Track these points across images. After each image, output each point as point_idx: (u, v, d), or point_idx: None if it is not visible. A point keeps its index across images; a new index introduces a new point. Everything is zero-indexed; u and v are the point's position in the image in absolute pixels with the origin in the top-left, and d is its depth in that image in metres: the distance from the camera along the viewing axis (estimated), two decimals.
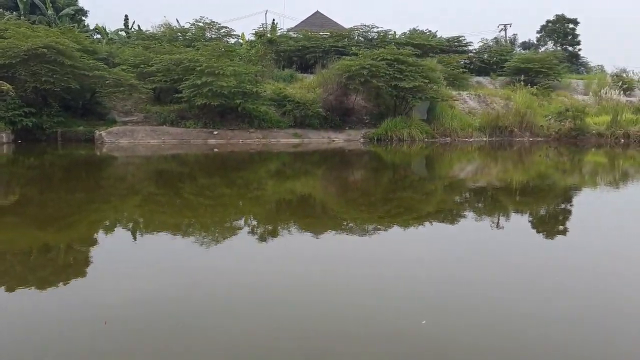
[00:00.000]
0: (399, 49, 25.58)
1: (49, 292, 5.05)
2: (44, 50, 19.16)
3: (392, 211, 9.44)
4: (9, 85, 18.86)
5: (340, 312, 4.51)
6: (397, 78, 23.01)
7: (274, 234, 7.67)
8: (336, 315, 4.44)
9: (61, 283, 5.35)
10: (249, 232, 7.76)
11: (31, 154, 17.55)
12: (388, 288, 5.14)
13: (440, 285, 5.25)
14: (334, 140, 23.28)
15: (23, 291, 5.03)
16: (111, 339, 3.91)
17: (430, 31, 36.37)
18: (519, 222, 8.93)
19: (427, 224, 8.57)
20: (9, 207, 9.46)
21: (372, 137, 23.60)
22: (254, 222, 8.54)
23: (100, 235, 7.63)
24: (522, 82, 29.07)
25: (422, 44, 31.71)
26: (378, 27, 33.53)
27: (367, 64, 23.00)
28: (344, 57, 26.07)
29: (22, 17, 30.86)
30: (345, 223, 8.67)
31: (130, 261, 6.17)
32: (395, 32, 34.44)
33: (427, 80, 23.41)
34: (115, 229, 8.13)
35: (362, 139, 23.74)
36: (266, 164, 17.03)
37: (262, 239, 7.34)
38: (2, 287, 5.15)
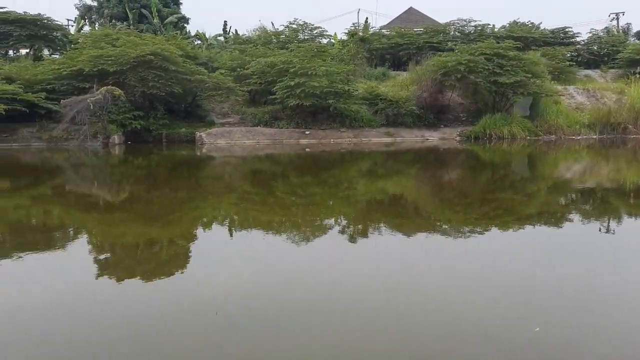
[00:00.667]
0: (498, 42, 24.50)
1: (155, 284, 5.33)
2: (151, 57, 20.45)
3: (490, 213, 9.01)
4: (120, 91, 20.33)
5: (446, 316, 4.34)
6: (497, 73, 22.04)
7: (364, 233, 7.59)
8: (442, 320, 4.28)
9: (164, 275, 5.64)
10: (339, 232, 7.74)
11: (139, 154, 18.80)
12: (491, 293, 4.88)
13: (546, 292, 4.88)
14: (428, 139, 22.74)
15: (131, 282, 5.35)
16: (220, 329, 4.04)
17: (532, 23, 34.44)
18: (632, 227, 8.15)
19: (528, 227, 8.07)
20: (120, 204, 10.18)
21: (469, 135, 22.75)
22: (345, 222, 8.51)
23: (199, 231, 7.98)
24: (637, 75, 26.65)
25: (524, 37, 30.14)
26: (475, 21, 32.41)
27: (465, 60, 22.23)
28: (439, 53, 25.40)
29: (131, 27, 33.23)
30: (439, 224, 8.39)
31: (227, 256, 6.37)
32: (494, 25, 33.09)
33: (529, 75, 22.18)
34: (213, 225, 8.47)
35: (458, 137, 22.97)
36: (357, 163, 16.99)
37: (352, 238, 7.28)
38: (113, 278, 5.52)
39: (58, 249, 6.95)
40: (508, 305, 4.58)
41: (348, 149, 19.91)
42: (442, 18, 55.30)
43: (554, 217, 8.62)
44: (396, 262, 6.08)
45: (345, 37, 31.23)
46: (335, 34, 33.66)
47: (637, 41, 39.45)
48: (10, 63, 24.21)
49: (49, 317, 4.41)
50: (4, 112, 18.90)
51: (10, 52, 28.46)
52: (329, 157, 18.13)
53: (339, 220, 8.63)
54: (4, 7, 27.36)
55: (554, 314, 4.34)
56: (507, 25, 33.73)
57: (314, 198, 10.71)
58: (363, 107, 23.43)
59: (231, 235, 7.65)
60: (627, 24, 47.30)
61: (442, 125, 24.12)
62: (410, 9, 41.90)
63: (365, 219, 8.64)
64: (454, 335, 3.99)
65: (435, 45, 29.76)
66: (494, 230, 7.79)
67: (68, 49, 27.16)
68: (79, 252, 6.64)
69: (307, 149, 19.73)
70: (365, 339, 3.92)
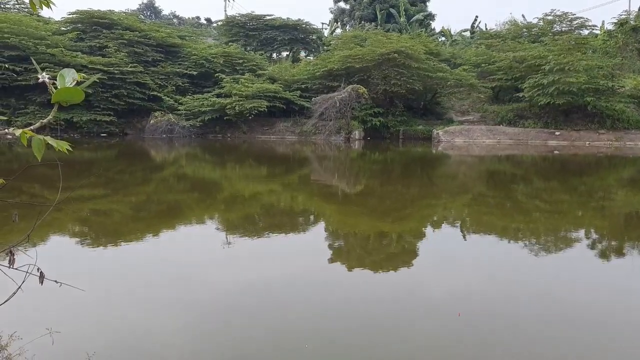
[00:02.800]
0: None
1: (381, 276, 5.31)
2: (395, 54, 20.95)
3: None
4: (364, 89, 21.36)
5: None
6: None
7: (619, 252, 6.39)
8: None
9: (392, 269, 5.58)
10: (588, 247, 6.67)
11: (376, 149, 19.46)
12: None
13: None
14: None
15: (361, 271, 5.44)
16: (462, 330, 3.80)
17: None
18: None
19: None
20: (355, 196, 10.59)
21: None
22: (596, 236, 7.32)
23: (428, 230, 7.76)
24: None
25: None
26: None
27: None
28: None
29: (378, 27, 34.69)
30: None
31: (453, 258, 6.02)
32: None
33: None
34: (443, 226, 8.15)
35: None
36: (618, 170, 14.69)
37: (604, 256, 6.18)
38: (344, 265, 5.69)
39: (298, 232, 7.51)
40: None
41: (607, 154, 17.41)
42: None
43: None
44: None
45: (612, 27, 27.41)
46: (603, 22, 29.83)
47: None
48: (273, 65, 27.50)
49: (279, 290, 4.70)
50: (266, 109, 21.57)
51: (274, 55, 32.35)
52: (583, 161, 16.11)
53: (589, 234, 7.47)
54: (272, 15, 31.20)
55: None
56: None
57: (560, 206, 9.54)
58: (630, 106, 20.29)
59: (464, 237, 7.25)
60: None
61: None
62: None
63: (622, 236, 7.31)
64: None
65: None
66: None
67: (321, 50, 29.65)
68: (314, 237, 7.08)
69: (556, 151, 17.88)
70: None
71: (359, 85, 21.44)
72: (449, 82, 21.99)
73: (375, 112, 21.79)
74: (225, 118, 21.96)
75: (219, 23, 35.33)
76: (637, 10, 30.83)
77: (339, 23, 42.33)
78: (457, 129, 21.49)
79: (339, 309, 4.31)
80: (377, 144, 20.66)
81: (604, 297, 4.75)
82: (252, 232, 7.22)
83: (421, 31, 31.97)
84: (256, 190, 10.95)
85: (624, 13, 28.79)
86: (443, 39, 37.10)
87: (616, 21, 27.22)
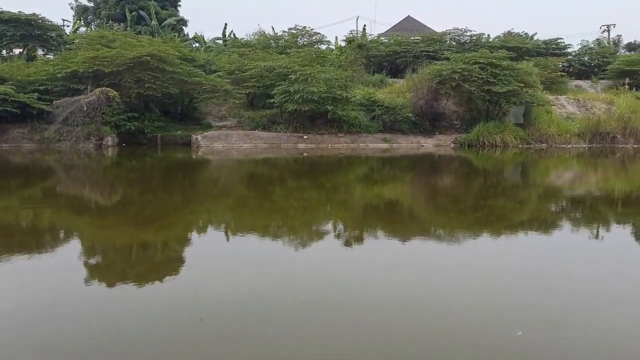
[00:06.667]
0: (492, 52, 24.74)
1: (147, 288, 5.27)
2: (148, 58, 20.41)
3: (483, 219, 9.04)
4: (115, 92, 20.25)
5: (444, 318, 4.34)
6: (490, 82, 22.28)
7: (359, 239, 7.57)
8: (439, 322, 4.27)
9: (157, 280, 5.57)
10: (336, 236, 7.72)
11: (133, 156, 18.71)
12: (483, 295, 4.88)
13: (531, 294, 4.89)
14: (423, 145, 22.85)
15: (123, 286, 5.29)
16: (203, 336, 4.00)
17: (526, 34, 34.88)
18: (623, 234, 8.19)
19: (520, 233, 8.10)
20: (113, 207, 10.08)
21: (463, 142, 22.98)
22: (341, 227, 8.50)
23: (194, 236, 7.92)
24: (626, 86, 27.22)
25: (518, 47, 30.48)
26: (471, 31, 32.78)
27: (459, 68, 22.46)
28: (435, 61, 25.64)
29: (128, 28, 33.20)
30: (434, 230, 8.40)
31: (221, 261, 6.32)
32: (489, 35, 33.46)
33: (522, 84, 22.46)
34: (208, 230, 8.41)
35: (452, 144, 23.13)
36: (354, 168, 17.00)
37: (348, 243, 7.26)
38: (104, 282, 5.45)
39: (47, 251, 6.82)
40: (496, 305, 4.58)
41: (345, 154, 19.94)
42: (439, 27, 55.79)
43: (545, 224, 8.65)
44: (390, 266, 6.07)
45: (343, 44, 31.40)
46: (336, 37, 33.86)
47: (627, 53, 39.89)
48: (3, 63, 24.08)
49: (33, 320, 4.35)
50: None
51: (3, 52, 28.34)
52: (327, 161, 18.15)
53: (336, 225, 8.61)
54: None
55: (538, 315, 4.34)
56: (502, 35, 34.09)
57: (311, 202, 10.69)
58: (361, 113, 23.53)
59: (227, 239, 7.61)
60: (618, 35, 47.56)
61: (437, 132, 24.30)
62: (408, 17, 42.15)
63: (361, 224, 8.63)
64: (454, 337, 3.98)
65: (431, 53, 30.08)
66: (485, 235, 7.81)
67: (63, 49, 27.07)
68: (68, 255, 6.50)
69: (305, 153, 19.75)
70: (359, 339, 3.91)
71: (108, 89, 20.23)
72: (204, 87, 22.34)
73: (130, 116, 20.86)
74: None
75: None
76: (362, 30, 35.88)
77: (82, 21, 39.06)
78: (216, 134, 22.02)
79: (91, 332, 4.18)
80: (134, 150, 19.84)
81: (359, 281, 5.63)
82: None
83: (174, 36, 31.68)
84: None
85: (351, 32, 33.38)
86: (197, 45, 37.36)
87: (345, 39, 31.37)
